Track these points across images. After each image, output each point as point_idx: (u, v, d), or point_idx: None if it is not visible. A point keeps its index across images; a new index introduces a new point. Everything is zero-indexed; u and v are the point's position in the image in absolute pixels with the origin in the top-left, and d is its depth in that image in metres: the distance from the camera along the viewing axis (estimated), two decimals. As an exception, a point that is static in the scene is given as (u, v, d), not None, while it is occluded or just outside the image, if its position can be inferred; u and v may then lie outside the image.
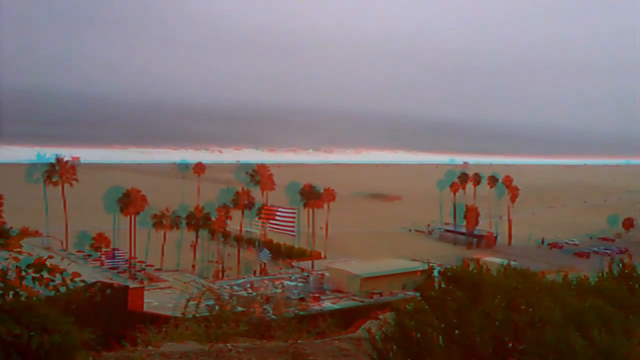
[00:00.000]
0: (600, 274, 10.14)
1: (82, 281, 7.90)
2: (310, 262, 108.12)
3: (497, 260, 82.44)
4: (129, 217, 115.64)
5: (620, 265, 10.11)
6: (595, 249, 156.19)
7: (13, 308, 6.72)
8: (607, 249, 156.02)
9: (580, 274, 10.33)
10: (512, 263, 12.22)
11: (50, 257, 7.36)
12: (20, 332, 6.51)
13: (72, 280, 7.35)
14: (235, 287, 74.51)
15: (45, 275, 7.10)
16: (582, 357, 6.93)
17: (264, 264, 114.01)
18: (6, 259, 7.17)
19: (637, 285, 9.61)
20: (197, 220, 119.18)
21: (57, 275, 7.19)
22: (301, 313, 19.99)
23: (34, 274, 7.06)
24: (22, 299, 6.90)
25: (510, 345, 7.88)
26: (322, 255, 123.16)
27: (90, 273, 57.05)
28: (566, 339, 7.09)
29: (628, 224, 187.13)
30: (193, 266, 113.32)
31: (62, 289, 7.27)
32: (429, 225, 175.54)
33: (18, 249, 7.18)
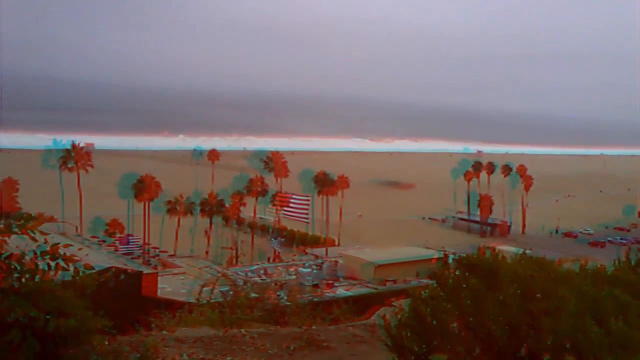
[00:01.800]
0: (616, 263, 10.10)
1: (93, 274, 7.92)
2: (324, 249, 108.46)
3: (512, 249, 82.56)
4: (143, 203, 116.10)
5: (638, 255, 10.08)
6: (611, 239, 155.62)
7: (30, 291, 6.75)
8: (622, 238, 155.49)
9: (596, 263, 10.30)
10: (527, 252, 12.21)
11: (67, 245, 7.37)
12: (36, 314, 6.54)
13: (84, 272, 7.38)
14: (249, 274, 74.70)
15: (61, 263, 7.12)
16: (598, 346, 6.91)
17: (278, 250, 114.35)
18: (29, 246, 7.20)
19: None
20: (211, 207, 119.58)
21: (70, 264, 7.21)
22: (315, 299, 20.07)
23: (49, 261, 7.08)
24: (38, 281, 6.93)
25: (526, 333, 7.87)
26: (336, 243, 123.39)
27: (104, 258, 57.32)
28: (582, 328, 7.07)
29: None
30: (207, 252, 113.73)
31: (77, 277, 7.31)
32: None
33: (36, 234, 7.19)
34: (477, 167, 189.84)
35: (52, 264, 7.06)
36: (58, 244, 7.26)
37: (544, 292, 8.11)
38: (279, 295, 18.07)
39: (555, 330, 7.36)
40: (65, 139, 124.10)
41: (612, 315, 7.19)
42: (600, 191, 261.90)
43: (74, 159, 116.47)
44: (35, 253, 7.03)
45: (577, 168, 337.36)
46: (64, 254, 7.16)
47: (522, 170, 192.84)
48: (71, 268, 7.20)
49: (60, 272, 7.09)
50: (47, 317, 6.60)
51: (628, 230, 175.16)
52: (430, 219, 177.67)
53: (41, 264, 7.00)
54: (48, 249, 7.10)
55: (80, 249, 7.75)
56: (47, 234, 7.22)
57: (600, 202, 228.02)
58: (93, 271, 7.69)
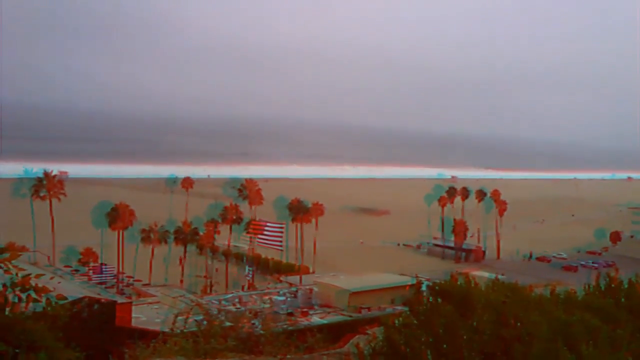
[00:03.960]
0: (587, 288, 10.19)
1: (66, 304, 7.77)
2: (298, 276, 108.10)
3: (485, 274, 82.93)
4: (117, 232, 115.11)
5: (607, 279, 10.18)
6: (583, 263, 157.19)
7: (-1, 324, 6.63)
8: (594, 262, 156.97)
9: (567, 288, 10.37)
10: (500, 277, 12.24)
11: (38, 275, 7.26)
12: (5, 349, 6.42)
13: (56, 303, 7.23)
14: (224, 302, 74.25)
15: (32, 295, 6.98)
16: (569, 371, 6.94)
17: (252, 279, 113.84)
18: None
19: (623, 299, 9.66)
20: (185, 235, 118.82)
21: (42, 295, 7.08)
22: (289, 328, 20.01)
23: (19, 294, 6.95)
24: (7, 314, 6.79)
25: (499, 359, 7.88)
26: (311, 270, 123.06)
27: (77, 288, 56.75)
28: (554, 353, 7.10)
29: (615, 237, 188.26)
30: (181, 281, 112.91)
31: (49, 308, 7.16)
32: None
33: (8, 265, 7.08)
34: (451, 192, 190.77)
35: (23, 295, 6.93)
36: (29, 274, 7.15)
37: (517, 318, 8.14)
38: (253, 324, 17.94)
39: (527, 356, 7.39)
40: (37, 168, 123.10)
41: (583, 340, 7.24)
42: (573, 215, 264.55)
43: (45, 187, 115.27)
44: (5, 285, 6.92)
45: (550, 192, 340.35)
46: (35, 284, 7.05)
47: (496, 195, 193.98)
48: (43, 299, 7.08)
49: (31, 303, 6.97)
50: (16, 351, 6.48)
51: (599, 254, 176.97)
52: (404, 245, 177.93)
53: (11, 297, 6.88)
54: (18, 280, 6.98)
55: (52, 278, 7.66)
56: (23, 269, 7.13)
57: (573, 226, 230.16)
58: (65, 301, 7.56)
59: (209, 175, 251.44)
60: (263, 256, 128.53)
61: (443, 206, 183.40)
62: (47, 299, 7.11)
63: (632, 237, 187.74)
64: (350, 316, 74.95)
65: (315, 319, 72.86)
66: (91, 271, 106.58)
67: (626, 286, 10.05)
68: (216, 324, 16.71)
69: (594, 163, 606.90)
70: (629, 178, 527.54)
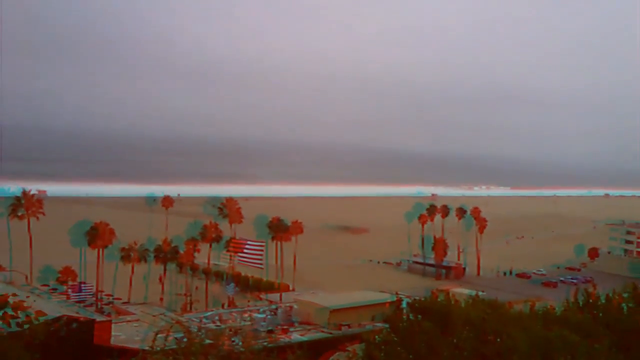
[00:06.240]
0: (565, 304, 10.28)
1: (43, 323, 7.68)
2: (278, 294, 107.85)
3: (465, 291, 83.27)
4: (96, 250, 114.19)
5: (585, 295, 10.28)
6: (562, 279, 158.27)
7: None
8: (573, 278, 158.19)
9: (546, 304, 10.47)
10: (481, 294, 12.30)
11: (15, 294, 7.20)
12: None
13: (36, 318, 7.15)
14: (204, 320, 74.09)
15: (9, 312, 6.88)
16: (548, 386, 6.98)
17: (232, 296, 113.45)
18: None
19: (600, 314, 9.75)
20: (165, 254, 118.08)
21: (21, 312, 6.98)
22: (270, 345, 19.91)
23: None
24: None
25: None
26: (291, 288, 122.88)
27: (53, 307, 56.29)
28: (533, 369, 7.15)
29: (593, 253, 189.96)
30: (161, 299, 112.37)
31: (26, 325, 7.06)
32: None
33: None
34: (431, 210, 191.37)
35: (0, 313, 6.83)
36: (6, 294, 7.08)
37: (496, 333, 8.20)
38: (233, 342, 17.89)
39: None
40: (14, 187, 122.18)
41: (561, 356, 7.30)
42: (552, 231, 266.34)
43: (24, 206, 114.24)
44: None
45: (531, 209, 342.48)
46: (13, 302, 6.97)
47: (476, 212, 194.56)
48: (22, 316, 6.99)
49: (4, 324, 6.85)
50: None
51: (578, 270, 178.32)
52: (384, 262, 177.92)
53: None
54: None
55: (27, 297, 7.58)
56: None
57: (552, 242, 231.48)
58: (45, 317, 7.48)
59: (178, 195, 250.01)
60: (243, 274, 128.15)
61: (423, 224, 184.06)
62: (27, 315, 7.04)
63: (609, 253, 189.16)
64: (331, 333, 74.91)
65: (296, 336, 72.76)
66: (70, 290, 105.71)
67: (603, 301, 10.16)
68: (196, 341, 16.62)
69: (572, 180, 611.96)
70: (606, 195, 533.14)
